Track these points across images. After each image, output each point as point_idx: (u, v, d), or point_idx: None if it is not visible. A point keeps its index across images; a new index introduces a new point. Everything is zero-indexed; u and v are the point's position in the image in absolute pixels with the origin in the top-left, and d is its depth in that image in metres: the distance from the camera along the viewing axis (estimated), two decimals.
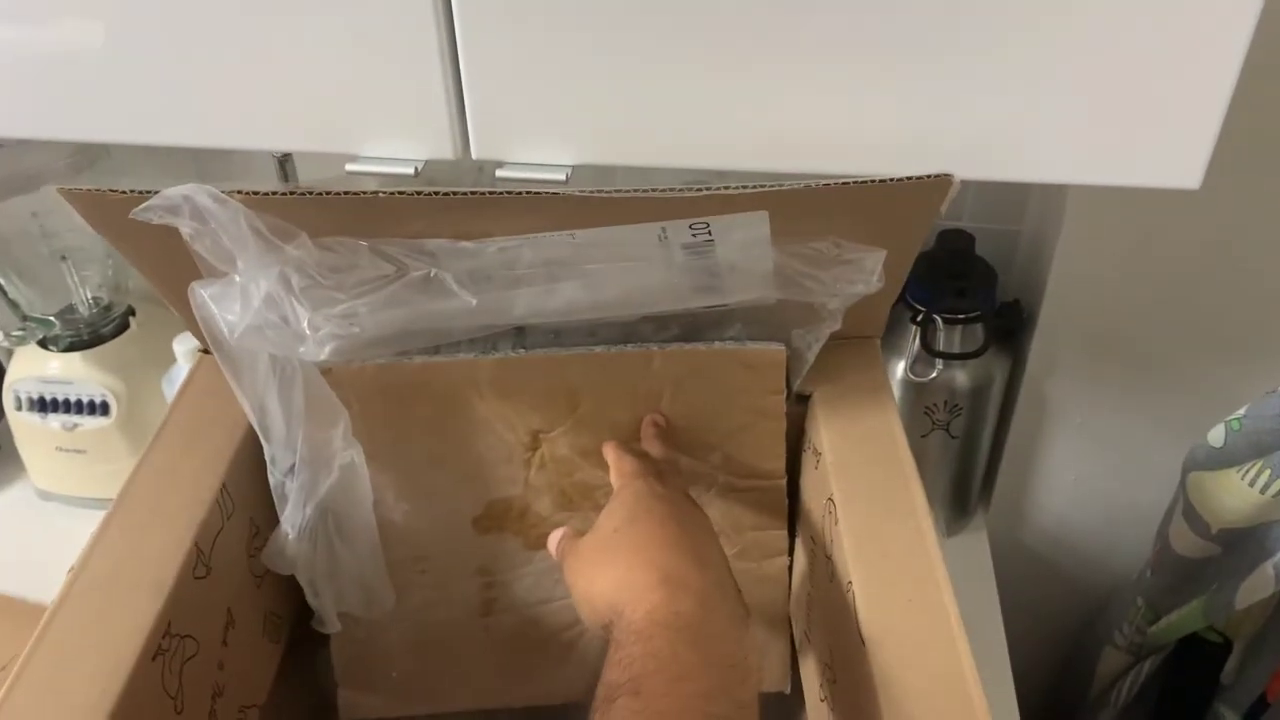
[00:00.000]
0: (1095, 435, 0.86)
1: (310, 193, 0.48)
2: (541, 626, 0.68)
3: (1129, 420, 0.84)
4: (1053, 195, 0.77)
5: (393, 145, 0.51)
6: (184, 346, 0.79)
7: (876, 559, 0.53)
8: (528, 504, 0.65)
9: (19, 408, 0.91)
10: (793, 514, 0.68)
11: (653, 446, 0.61)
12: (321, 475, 0.56)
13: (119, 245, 0.53)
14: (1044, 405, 0.85)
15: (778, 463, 0.65)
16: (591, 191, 0.47)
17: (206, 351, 0.65)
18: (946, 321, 0.79)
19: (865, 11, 0.44)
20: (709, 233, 0.52)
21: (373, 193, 0.48)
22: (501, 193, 0.49)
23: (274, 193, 0.47)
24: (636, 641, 0.43)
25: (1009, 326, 0.83)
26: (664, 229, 0.52)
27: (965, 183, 0.48)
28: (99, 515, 0.55)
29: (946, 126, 0.47)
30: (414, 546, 0.65)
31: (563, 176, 0.50)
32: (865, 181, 0.47)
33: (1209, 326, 0.77)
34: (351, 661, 0.67)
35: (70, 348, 0.90)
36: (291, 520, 0.57)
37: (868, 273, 0.54)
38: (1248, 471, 0.68)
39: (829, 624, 0.59)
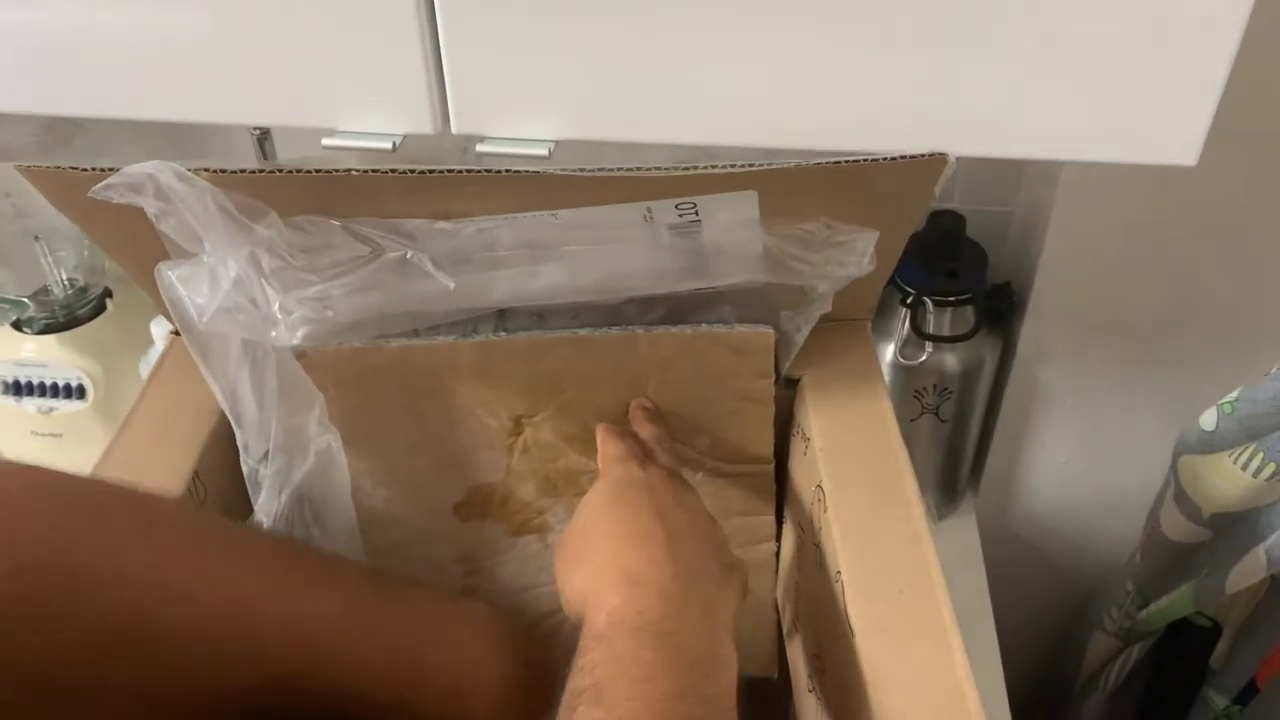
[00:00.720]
0: (1086, 419, 0.85)
1: (280, 170, 0.46)
2: (524, 613, 0.67)
3: (1120, 404, 0.84)
4: (1044, 177, 0.76)
5: (371, 119, 0.50)
6: (162, 329, 0.78)
7: (866, 548, 0.52)
8: (510, 490, 0.64)
9: None
10: (780, 499, 0.67)
11: (642, 428, 0.59)
12: (297, 462, 0.55)
13: (83, 225, 0.52)
14: (1035, 388, 0.84)
15: (765, 448, 0.64)
16: (574, 170, 0.46)
17: (179, 333, 0.63)
18: (937, 304, 0.78)
19: None
20: (695, 213, 0.51)
21: (345, 170, 0.46)
22: (480, 171, 0.47)
23: (242, 170, 0.45)
24: (598, 645, 0.42)
25: (1000, 309, 0.83)
26: (649, 209, 0.50)
27: (956, 164, 0.47)
28: None
29: (941, 102, 0.45)
30: (394, 533, 0.64)
31: (545, 152, 0.49)
32: (857, 161, 0.46)
33: (1201, 310, 0.77)
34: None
35: (45, 330, 0.88)
36: (266, 508, 0.56)
37: (859, 254, 0.53)
38: (1240, 455, 0.68)
39: (817, 613, 0.58)
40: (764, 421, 0.63)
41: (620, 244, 0.52)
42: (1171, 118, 0.45)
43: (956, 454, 0.87)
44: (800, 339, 0.60)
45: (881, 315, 0.80)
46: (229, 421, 0.55)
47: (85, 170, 0.45)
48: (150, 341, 0.81)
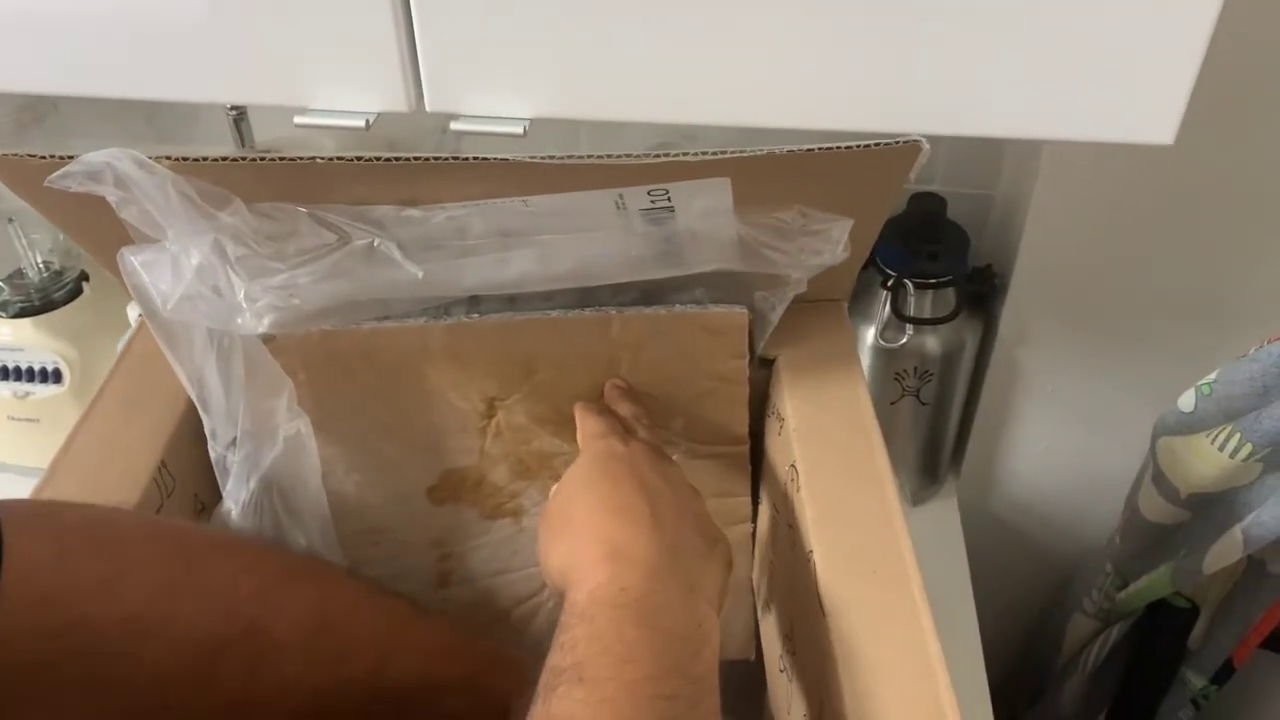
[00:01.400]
0: (1067, 401, 0.85)
1: (244, 159, 0.45)
2: (499, 598, 0.67)
3: (1101, 386, 0.84)
4: (1026, 159, 0.76)
5: (344, 97, 0.49)
6: (138, 312, 0.77)
7: (839, 528, 0.52)
8: (484, 473, 0.64)
9: None
10: (756, 480, 0.66)
11: (619, 406, 0.59)
12: (265, 448, 0.55)
13: (46, 212, 0.51)
14: (1016, 371, 0.84)
15: (741, 428, 0.64)
16: (545, 157, 0.45)
17: None
18: (918, 286, 0.78)
19: None
20: (668, 199, 0.50)
21: (311, 159, 0.45)
22: (448, 158, 0.46)
23: (205, 158, 0.45)
24: (580, 623, 0.41)
25: (981, 292, 0.82)
26: (621, 195, 0.50)
27: (937, 145, 0.46)
28: None
29: (919, 79, 0.45)
30: (367, 519, 0.64)
31: (520, 130, 0.48)
32: (831, 148, 0.46)
33: (1182, 293, 0.77)
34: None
35: (21, 314, 0.87)
36: (234, 495, 0.55)
37: (834, 243, 0.53)
38: (1217, 436, 0.68)
39: (790, 593, 0.58)
40: (739, 402, 0.63)
41: (592, 231, 0.52)
42: (1148, 96, 0.44)
43: (937, 437, 0.87)
44: (775, 318, 0.60)
45: (862, 298, 0.80)
46: (196, 408, 0.55)
47: (44, 158, 0.44)
48: (127, 325, 0.80)
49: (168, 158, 0.45)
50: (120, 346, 0.85)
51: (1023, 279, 0.78)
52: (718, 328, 0.60)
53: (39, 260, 0.88)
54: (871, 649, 0.47)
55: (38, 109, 0.89)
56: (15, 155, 0.44)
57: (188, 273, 0.46)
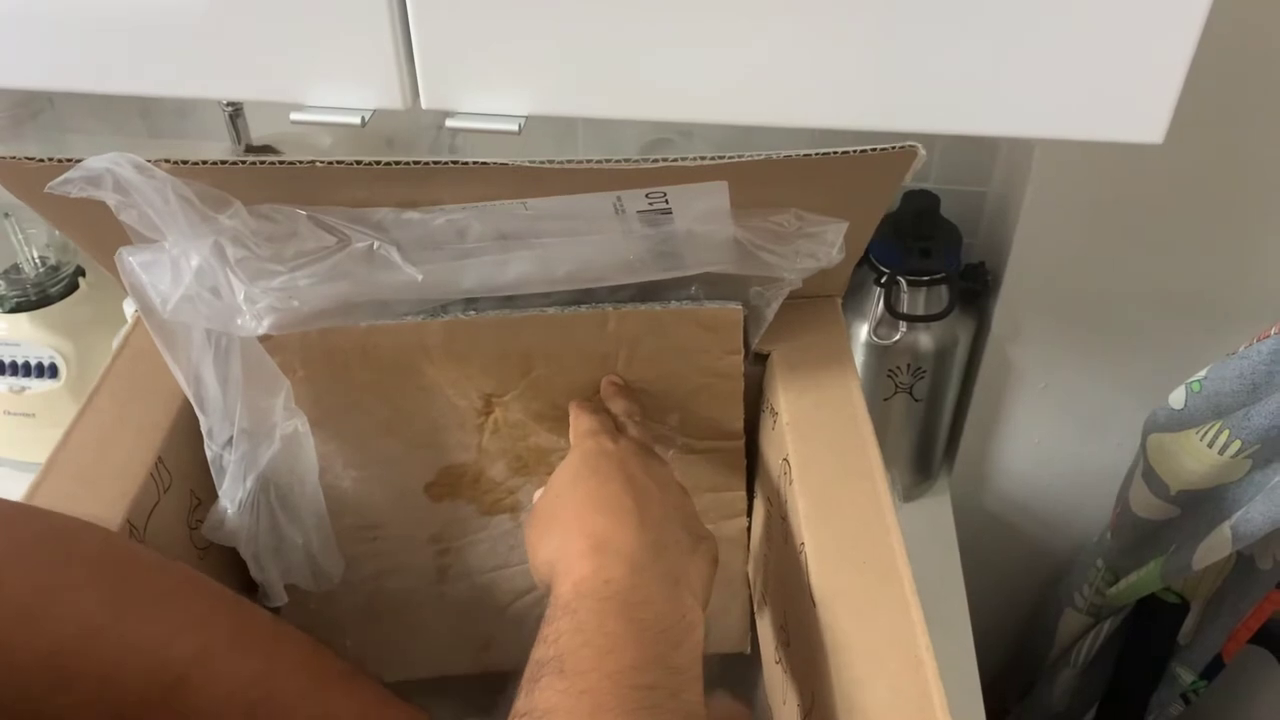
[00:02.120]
0: (1059, 398, 0.86)
1: (244, 162, 0.45)
2: (497, 592, 0.68)
3: (1093, 383, 0.84)
4: (1018, 156, 0.76)
5: (339, 94, 0.49)
6: (135, 308, 0.77)
7: (830, 521, 0.53)
8: (481, 470, 0.64)
9: None
10: (751, 474, 0.67)
11: (613, 403, 0.60)
12: (262, 446, 0.55)
13: (43, 211, 0.51)
14: (1008, 368, 0.85)
15: (736, 423, 0.64)
16: (544, 161, 0.46)
17: None
18: (911, 283, 0.78)
19: None
20: (666, 201, 0.51)
21: (310, 162, 0.46)
22: (448, 162, 0.47)
23: (204, 162, 0.45)
24: (563, 615, 0.42)
25: (974, 289, 0.82)
26: (619, 198, 0.50)
27: (931, 143, 0.47)
28: None
29: (912, 79, 0.45)
30: (365, 515, 0.64)
31: (515, 128, 0.48)
32: (828, 153, 0.46)
33: (1173, 290, 0.77)
34: (304, 632, 0.66)
35: (17, 308, 0.87)
36: (230, 493, 0.55)
37: (829, 245, 0.53)
38: (1207, 433, 0.68)
39: (784, 585, 0.58)
40: (734, 397, 0.63)
41: (590, 234, 0.52)
42: (1137, 95, 0.44)
43: (930, 433, 0.88)
44: (769, 314, 0.60)
45: (856, 294, 0.80)
46: (192, 406, 0.55)
47: (41, 161, 0.44)
48: (124, 320, 0.81)
49: (167, 161, 0.45)
50: (117, 342, 0.85)
51: (1015, 276, 0.79)
52: (713, 324, 0.61)
53: (35, 255, 0.88)
54: (861, 640, 0.47)
55: (33, 105, 0.89)
56: (13, 158, 0.45)
57: (187, 274, 0.47)
